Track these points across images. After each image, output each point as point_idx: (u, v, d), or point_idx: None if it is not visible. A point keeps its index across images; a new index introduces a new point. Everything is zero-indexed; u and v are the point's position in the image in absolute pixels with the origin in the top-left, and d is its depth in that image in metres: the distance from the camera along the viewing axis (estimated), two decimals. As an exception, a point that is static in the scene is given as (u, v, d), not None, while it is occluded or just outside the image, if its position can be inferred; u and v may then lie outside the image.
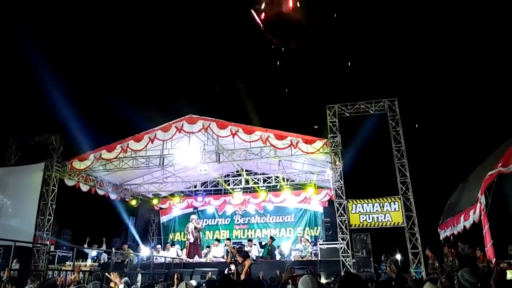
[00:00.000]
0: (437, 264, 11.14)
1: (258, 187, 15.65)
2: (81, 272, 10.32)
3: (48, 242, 12.70)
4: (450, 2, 20.54)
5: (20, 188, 13.39)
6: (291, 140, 12.18)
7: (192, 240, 15.33)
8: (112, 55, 23.44)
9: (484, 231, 7.80)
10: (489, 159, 9.29)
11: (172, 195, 17.87)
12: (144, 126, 13.67)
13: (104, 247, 14.98)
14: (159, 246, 16.37)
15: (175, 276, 7.12)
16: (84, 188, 14.88)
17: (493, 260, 7.62)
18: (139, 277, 10.93)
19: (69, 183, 14.26)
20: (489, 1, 18.86)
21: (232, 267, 10.42)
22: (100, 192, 15.82)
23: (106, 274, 7.31)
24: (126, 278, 7.86)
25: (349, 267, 10.81)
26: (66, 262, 12.87)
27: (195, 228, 15.60)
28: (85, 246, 14.20)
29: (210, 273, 11.14)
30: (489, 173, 7.79)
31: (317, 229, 16.96)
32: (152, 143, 13.35)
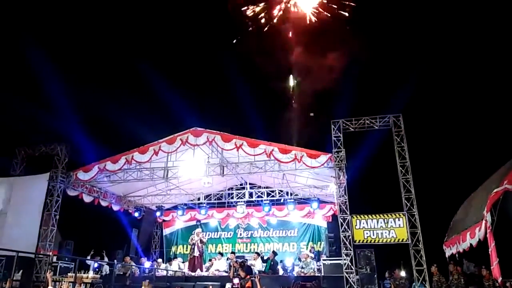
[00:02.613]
0: (442, 282, 10.98)
1: (262, 200, 15.62)
2: (82, 284, 10.28)
3: (50, 253, 12.66)
4: (456, 17, 20.69)
5: (24, 198, 13.39)
6: (295, 154, 12.17)
7: (197, 253, 15.13)
8: (118, 67, 23.73)
9: (490, 249, 7.69)
10: (494, 176, 9.20)
11: (175, 207, 17.84)
12: (149, 138, 13.76)
13: (105, 259, 14.89)
14: (160, 259, 16.23)
15: None
16: (87, 199, 14.93)
17: (499, 279, 7.50)
18: None
19: (71, 193, 14.28)
20: (496, 20, 18.98)
21: (235, 280, 10.36)
22: (104, 203, 15.84)
23: None
24: None
25: (352, 283, 10.67)
26: (68, 274, 12.79)
27: (201, 241, 15.42)
28: (88, 257, 14.12)
29: (211, 287, 11.03)
30: (495, 190, 7.71)
31: (320, 244, 16.78)
32: (156, 155, 13.38)
